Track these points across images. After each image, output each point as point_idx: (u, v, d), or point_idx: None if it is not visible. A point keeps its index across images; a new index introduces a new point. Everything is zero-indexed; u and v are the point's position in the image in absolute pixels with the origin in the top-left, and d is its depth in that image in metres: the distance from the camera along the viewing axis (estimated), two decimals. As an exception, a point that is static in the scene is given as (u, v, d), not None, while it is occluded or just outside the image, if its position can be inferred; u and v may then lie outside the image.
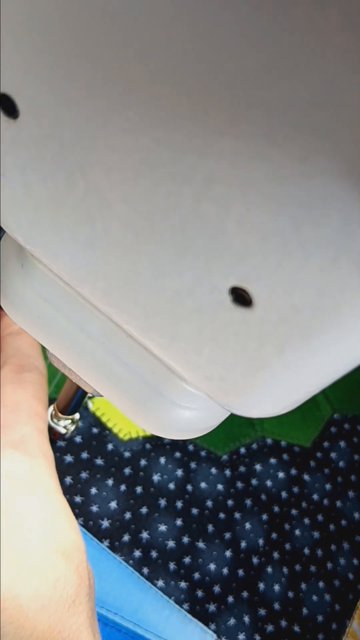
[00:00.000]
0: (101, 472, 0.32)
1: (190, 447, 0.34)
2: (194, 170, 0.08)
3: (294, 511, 0.34)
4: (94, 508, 0.31)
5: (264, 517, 0.33)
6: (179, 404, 0.14)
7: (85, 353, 0.14)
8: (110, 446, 0.33)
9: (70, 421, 0.30)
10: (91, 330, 0.14)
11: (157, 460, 0.33)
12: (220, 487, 0.33)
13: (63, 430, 0.30)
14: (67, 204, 0.11)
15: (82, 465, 0.32)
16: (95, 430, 0.33)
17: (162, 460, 0.33)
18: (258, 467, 0.35)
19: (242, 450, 0.35)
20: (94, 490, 0.31)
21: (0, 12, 0.09)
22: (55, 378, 0.35)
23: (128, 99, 0.08)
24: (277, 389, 0.11)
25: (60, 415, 0.28)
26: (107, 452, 0.32)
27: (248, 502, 0.33)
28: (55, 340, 0.15)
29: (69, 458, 0.32)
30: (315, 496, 0.35)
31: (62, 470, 0.31)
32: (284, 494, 0.34)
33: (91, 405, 0.34)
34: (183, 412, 0.14)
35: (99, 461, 0.32)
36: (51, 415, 0.29)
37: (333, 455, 0.36)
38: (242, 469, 0.34)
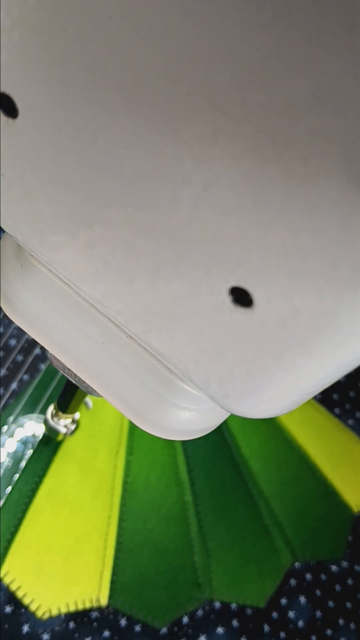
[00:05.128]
0: (13, 663, 0.27)
1: (123, 622, 0.29)
2: (191, 175, 0.08)
3: None
4: None
5: None
6: (178, 404, 0.14)
7: (85, 354, 0.14)
8: (26, 628, 0.28)
9: (70, 420, 0.29)
10: (90, 331, 0.14)
11: (81, 643, 0.28)
12: (156, 670, 0.29)
13: (64, 430, 0.29)
14: (66, 206, 0.11)
15: (-11, 656, 0.27)
16: (8, 609, 0.28)
17: (88, 642, 0.28)
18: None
19: (185, 619, 0.30)
20: None
21: (0, 12, 0.09)
22: (56, 378, 0.34)
23: (126, 102, 0.08)
24: (276, 392, 0.11)
25: (60, 414, 0.28)
26: (21, 637, 0.27)
27: None
28: (54, 340, 0.15)
29: (-27, 649, 0.27)
30: (267, 668, 0.30)
31: (-36, 664, 0.26)
32: (231, 671, 0.30)
33: (4, 575, 0.28)
34: (183, 413, 0.14)
35: (11, 650, 0.27)
36: (51, 414, 0.29)
37: (291, 614, 0.32)
38: (183, 643, 0.30)
